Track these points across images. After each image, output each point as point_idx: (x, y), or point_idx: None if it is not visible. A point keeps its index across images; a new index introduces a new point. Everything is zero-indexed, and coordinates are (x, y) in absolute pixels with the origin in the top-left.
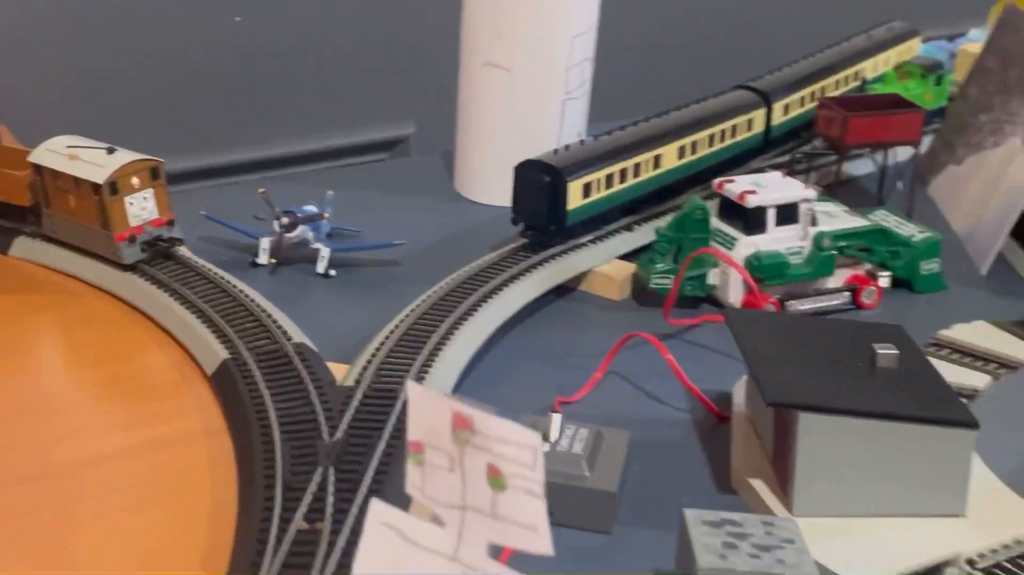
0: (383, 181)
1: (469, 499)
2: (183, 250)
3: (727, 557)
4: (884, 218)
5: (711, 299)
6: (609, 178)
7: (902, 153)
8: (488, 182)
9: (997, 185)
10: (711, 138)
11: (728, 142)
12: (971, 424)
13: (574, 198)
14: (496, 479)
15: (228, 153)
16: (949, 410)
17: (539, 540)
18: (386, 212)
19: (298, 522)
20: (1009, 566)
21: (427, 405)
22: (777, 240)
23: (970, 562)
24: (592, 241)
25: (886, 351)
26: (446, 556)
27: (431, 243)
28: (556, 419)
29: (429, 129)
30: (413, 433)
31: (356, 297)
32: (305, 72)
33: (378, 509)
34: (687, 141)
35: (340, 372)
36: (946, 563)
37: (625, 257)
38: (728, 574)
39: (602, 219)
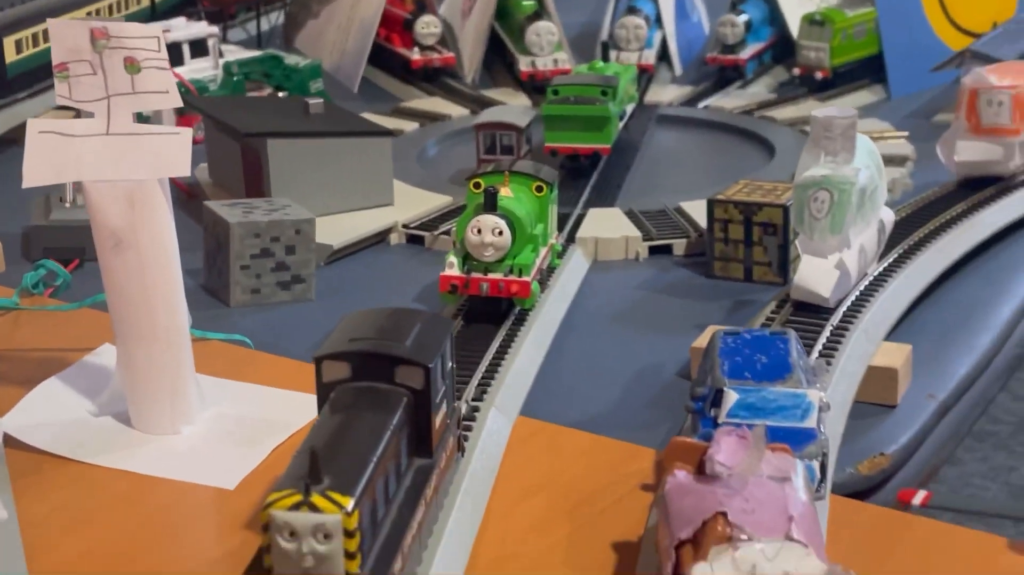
0: None
1: (112, 88)
2: None
3: (247, 216)
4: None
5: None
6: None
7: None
8: None
9: (351, 24)
10: None
11: None
12: (387, 133)
13: (9, 54)
14: (132, 66)
15: None
16: (368, 127)
17: (171, 99)
18: None
19: None
20: (428, 223)
21: (65, 31)
22: (195, 71)
23: (405, 225)
24: (30, 95)
25: (315, 102)
26: (101, 134)
27: None
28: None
29: None
30: (56, 57)
31: None
32: None
33: (33, 123)
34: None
35: None
36: (390, 228)
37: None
38: (252, 225)
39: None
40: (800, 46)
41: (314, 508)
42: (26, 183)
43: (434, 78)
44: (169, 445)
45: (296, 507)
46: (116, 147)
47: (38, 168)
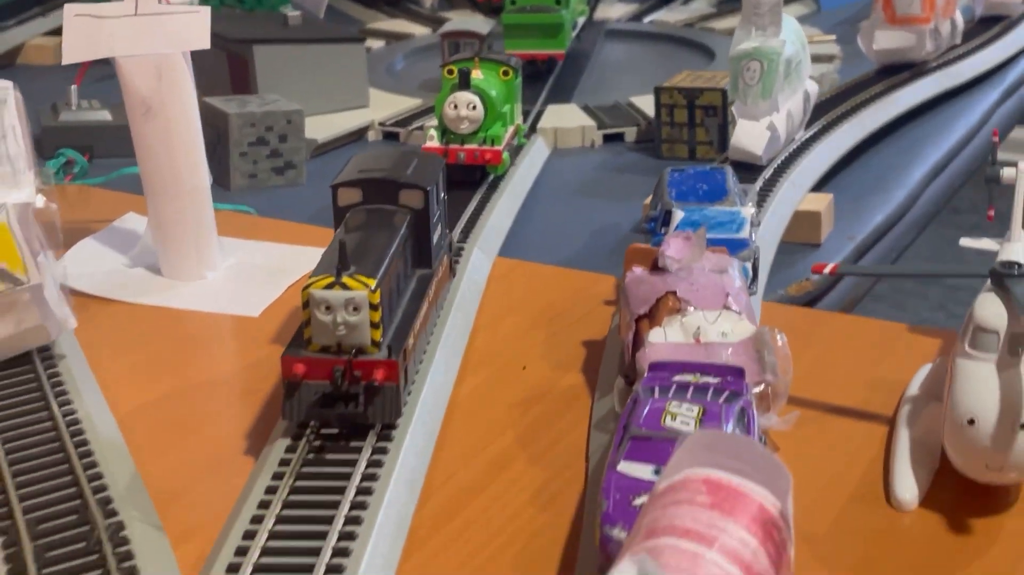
0: None
1: None
2: None
3: (243, 108)
4: None
5: None
6: None
7: None
8: None
9: None
10: None
11: None
12: (360, 39)
13: None
14: None
15: None
16: (343, 33)
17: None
18: None
19: None
20: (402, 120)
21: None
22: None
23: (381, 123)
24: (17, 23)
25: (293, 14)
26: (130, 15)
27: None
28: None
29: None
30: None
31: None
32: None
33: (69, 7)
34: None
35: None
36: (367, 127)
37: None
38: (248, 115)
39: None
40: None
41: (345, 287)
42: (65, 60)
43: (395, 2)
44: (197, 287)
45: (330, 287)
46: (144, 26)
47: (75, 47)
